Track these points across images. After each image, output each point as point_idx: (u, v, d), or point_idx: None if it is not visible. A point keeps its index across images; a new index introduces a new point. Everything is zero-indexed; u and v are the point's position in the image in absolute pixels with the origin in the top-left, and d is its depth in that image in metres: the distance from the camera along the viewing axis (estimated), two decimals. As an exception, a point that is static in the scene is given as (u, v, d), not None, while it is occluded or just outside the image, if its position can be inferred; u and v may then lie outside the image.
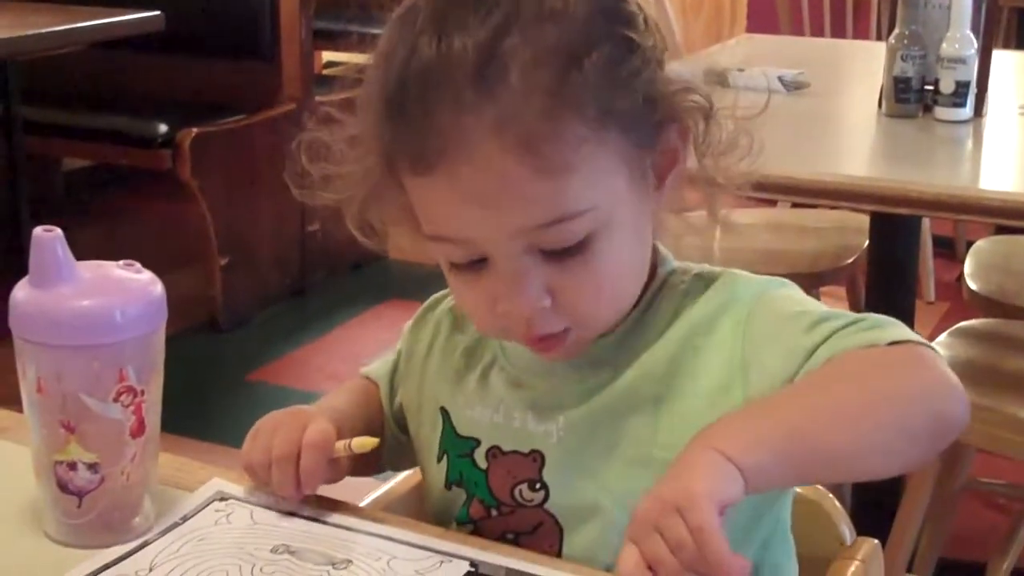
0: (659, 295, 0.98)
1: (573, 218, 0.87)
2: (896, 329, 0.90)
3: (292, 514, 0.95)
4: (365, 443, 0.97)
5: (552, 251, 0.89)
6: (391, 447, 1.10)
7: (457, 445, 1.03)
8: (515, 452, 0.99)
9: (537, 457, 0.98)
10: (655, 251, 1.00)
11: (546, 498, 0.98)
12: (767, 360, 0.91)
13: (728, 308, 0.95)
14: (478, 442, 1.01)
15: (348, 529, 0.93)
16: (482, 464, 1.01)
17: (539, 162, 0.85)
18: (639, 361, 0.96)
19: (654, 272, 0.99)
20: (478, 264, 0.90)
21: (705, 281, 0.99)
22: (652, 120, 0.91)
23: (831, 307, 0.94)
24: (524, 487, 0.98)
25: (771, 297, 0.96)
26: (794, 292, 0.97)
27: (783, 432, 0.82)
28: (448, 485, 1.03)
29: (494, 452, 1.00)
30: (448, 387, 1.05)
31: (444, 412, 1.04)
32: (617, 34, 0.89)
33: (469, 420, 1.02)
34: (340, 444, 0.96)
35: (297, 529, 0.93)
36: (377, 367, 1.13)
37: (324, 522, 0.94)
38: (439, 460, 1.04)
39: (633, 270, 0.95)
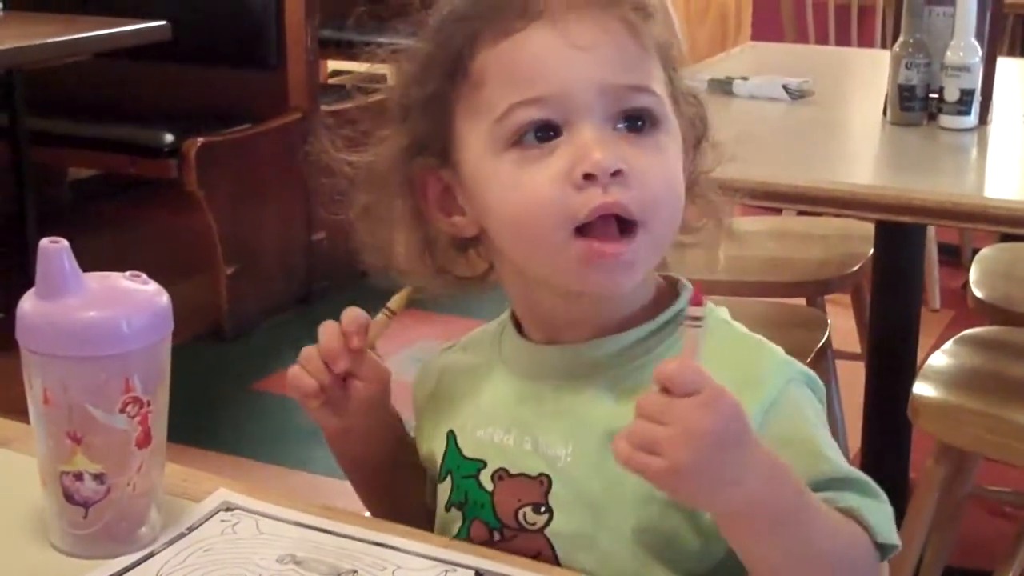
0: (677, 319, 0.98)
1: (653, 93, 0.94)
2: (887, 526, 0.90)
3: (298, 524, 0.95)
4: (401, 298, 1.06)
5: (629, 121, 0.93)
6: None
7: (463, 467, 1.02)
8: (523, 475, 0.98)
9: (544, 480, 0.98)
10: (675, 278, 1.01)
11: (549, 522, 0.97)
12: None
13: (751, 384, 0.93)
14: (484, 464, 1.01)
15: (354, 539, 0.93)
16: (488, 486, 1.00)
17: (635, 30, 0.94)
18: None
19: (676, 296, 1.00)
20: (552, 139, 0.92)
21: (732, 336, 0.99)
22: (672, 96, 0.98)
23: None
24: (528, 510, 0.98)
25: (796, 398, 0.95)
26: (814, 397, 0.97)
27: (773, 516, 0.84)
28: (448, 507, 1.03)
29: (500, 474, 1.00)
30: (457, 408, 1.05)
31: (451, 434, 1.04)
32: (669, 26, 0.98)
33: (476, 441, 1.02)
34: (380, 317, 1.05)
35: (303, 539, 0.93)
36: None
37: (330, 532, 0.94)
38: (441, 480, 1.04)
39: (680, 193, 0.96)
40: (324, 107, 3.81)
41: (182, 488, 1.00)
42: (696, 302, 0.83)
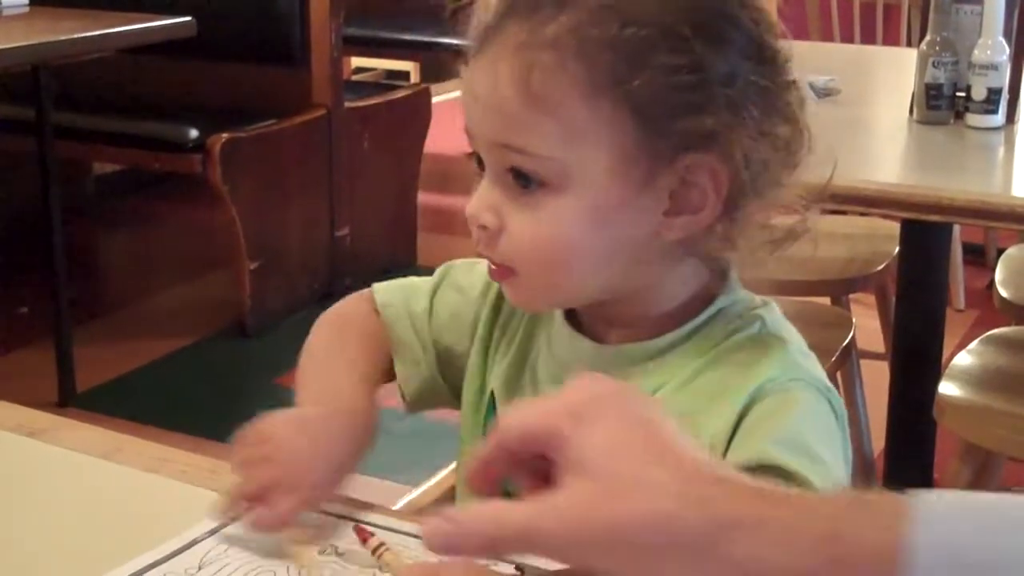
0: (714, 321, 0.96)
1: (534, 156, 0.89)
2: None
3: (340, 516, 0.95)
4: (393, 563, 0.89)
5: (516, 177, 0.91)
6: (425, 389, 1.09)
7: None
8: None
9: None
10: (723, 280, 0.98)
11: None
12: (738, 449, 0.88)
13: (745, 377, 0.92)
14: None
15: (396, 532, 0.93)
16: None
17: (525, 82, 0.88)
18: (671, 392, 0.94)
19: (712, 299, 0.98)
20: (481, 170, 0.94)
21: (757, 334, 0.96)
22: (673, 132, 0.89)
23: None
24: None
25: (796, 396, 0.91)
26: (827, 408, 0.93)
27: None
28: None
29: None
30: (502, 375, 1.04)
31: (492, 397, 1.04)
32: (689, 47, 0.88)
33: None
34: (371, 544, 0.90)
35: (344, 531, 0.93)
36: (403, 305, 1.10)
37: (373, 525, 0.94)
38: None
39: (582, 254, 0.92)
40: (347, 104, 3.82)
41: (210, 480, 1.00)
42: (363, 538, 0.88)
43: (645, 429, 0.73)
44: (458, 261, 1.13)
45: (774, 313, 0.99)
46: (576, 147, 0.89)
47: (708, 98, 0.88)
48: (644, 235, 0.92)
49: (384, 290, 1.12)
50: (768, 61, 0.92)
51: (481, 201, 0.93)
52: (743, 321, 0.97)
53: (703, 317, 0.97)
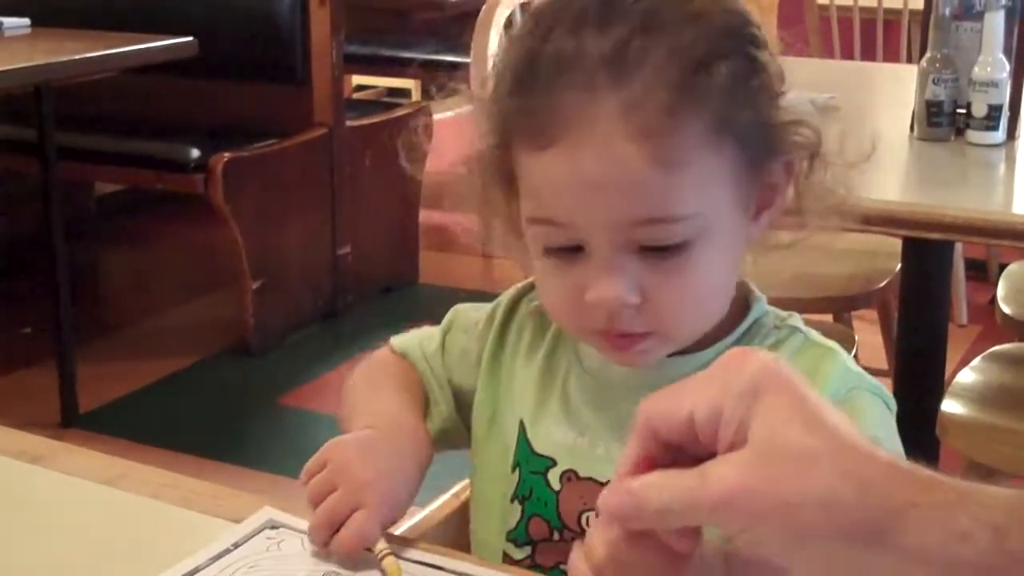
0: (751, 332, 0.99)
1: (678, 220, 0.89)
2: None
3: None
4: (394, 571, 0.90)
5: (650, 248, 0.89)
6: (447, 429, 1.09)
7: (532, 461, 1.02)
8: (591, 479, 0.98)
9: None
10: (746, 287, 1.01)
11: None
12: None
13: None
14: (554, 462, 1.01)
15: (400, 558, 0.93)
16: (555, 485, 1.00)
17: (657, 152, 0.87)
18: None
19: (747, 308, 1.00)
20: (573, 252, 0.91)
21: (802, 343, 0.99)
22: (763, 146, 0.93)
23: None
24: (592, 515, 0.97)
25: (860, 405, 0.94)
26: (885, 410, 0.96)
27: None
28: (512, 498, 1.02)
29: (569, 475, 1.00)
30: (531, 400, 1.04)
31: (522, 425, 1.04)
32: (746, 52, 0.91)
33: (548, 438, 1.02)
34: (378, 548, 0.91)
35: (348, 558, 0.93)
36: (418, 347, 1.11)
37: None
38: (512, 471, 1.03)
39: (722, 290, 0.96)
40: (349, 122, 3.83)
41: (213, 506, 1.00)
42: None
43: (808, 407, 0.70)
44: (463, 305, 1.13)
45: (801, 322, 1.02)
46: (710, 196, 0.90)
47: (771, 100, 0.93)
48: (743, 248, 0.96)
49: (399, 339, 1.13)
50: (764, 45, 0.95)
51: (618, 284, 0.89)
52: (781, 332, 0.99)
53: (743, 328, 0.99)
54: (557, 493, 1.00)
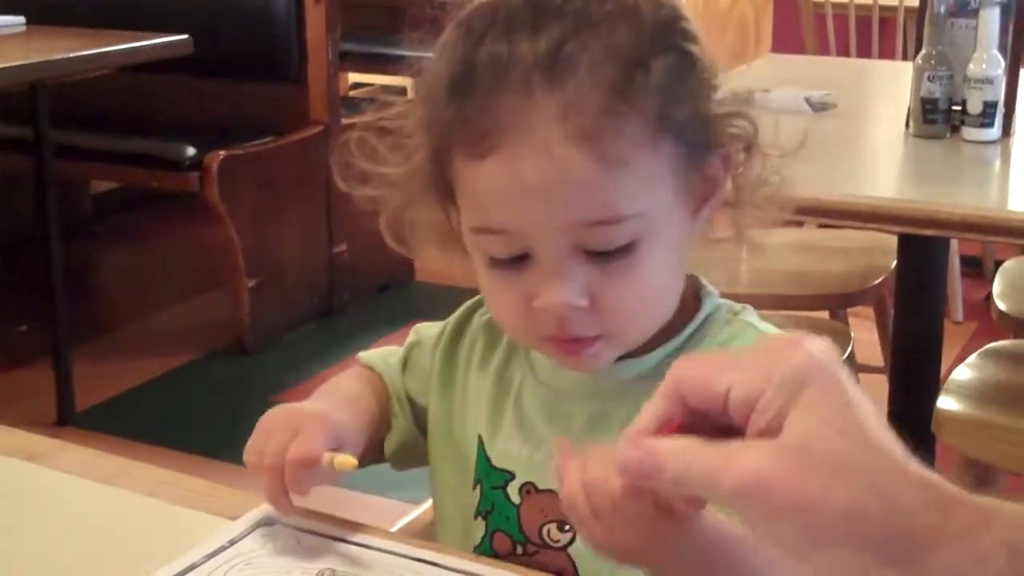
0: (703, 329, 0.98)
1: (623, 220, 0.88)
2: None
3: (339, 539, 0.95)
4: (346, 463, 0.93)
5: (596, 252, 0.89)
6: (406, 443, 1.09)
7: (492, 476, 1.02)
8: (550, 491, 0.98)
9: None
10: (697, 282, 1.00)
11: (572, 540, 0.97)
12: None
13: None
14: (512, 476, 1.00)
15: (393, 554, 0.93)
16: (515, 499, 1.00)
17: (598, 153, 0.86)
18: None
19: (698, 303, 0.99)
20: (518, 261, 0.90)
21: (760, 339, 0.97)
22: (701, 140, 0.92)
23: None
24: (552, 527, 0.97)
25: None
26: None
27: None
28: (476, 515, 1.02)
29: (528, 488, 0.99)
30: (485, 413, 1.04)
31: (480, 440, 1.03)
32: (681, 47, 0.91)
33: (504, 452, 1.01)
34: (325, 457, 0.94)
35: (343, 555, 0.93)
36: (381, 360, 1.12)
37: (369, 547, 0.94)
38: (474, 487, 1.03)
39: (670, 288, 0.95)
40: (345, 120, 3.82)
41: (208, 503, 1.00)
42: None
43: (849, 409, 0.68)
44: (425, 323, 1.13)
45: (755, 316, 1.00)
46: (653, 194, 0.90)
47: (707, 93, 0.92)
48: (687, 245, 0.95)
49: (365, 354, 1.13)
50: (696, 38, 0.94)
51: (566, 288, 0.89)
52: (733, 328, 0.98)
53: (693, 327, 0.98)
54: (518, 507, 1.00)
